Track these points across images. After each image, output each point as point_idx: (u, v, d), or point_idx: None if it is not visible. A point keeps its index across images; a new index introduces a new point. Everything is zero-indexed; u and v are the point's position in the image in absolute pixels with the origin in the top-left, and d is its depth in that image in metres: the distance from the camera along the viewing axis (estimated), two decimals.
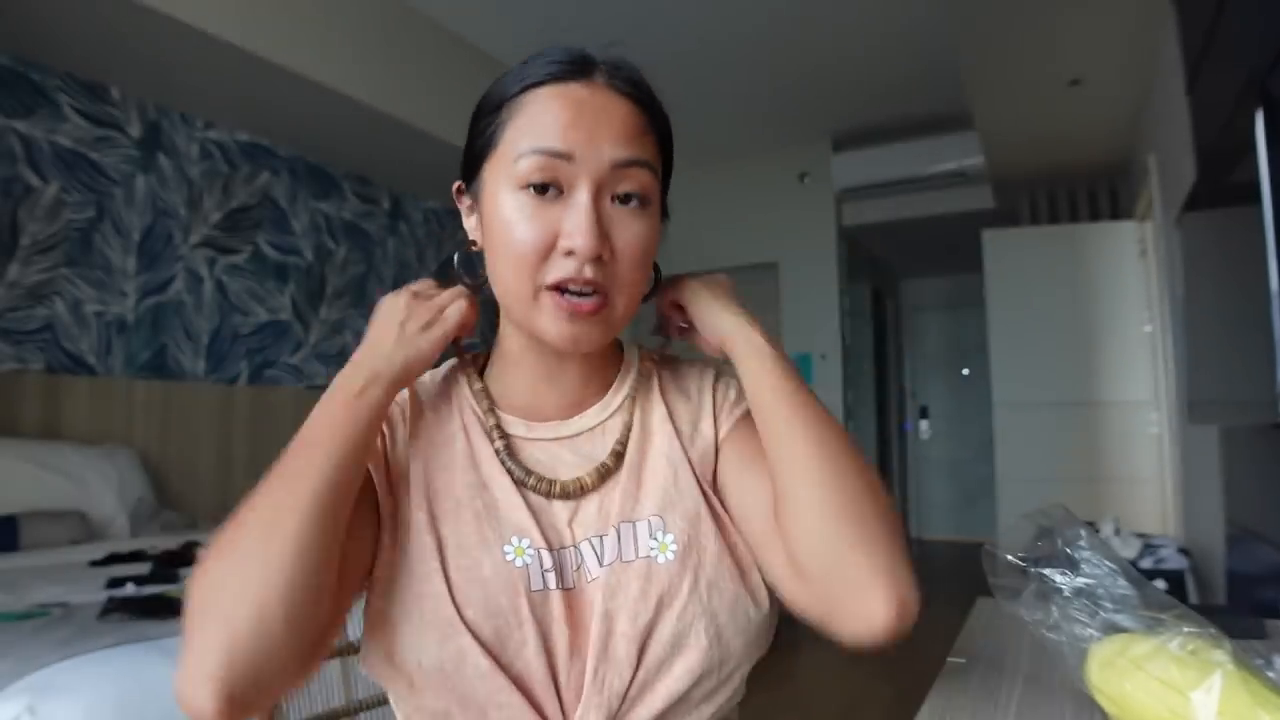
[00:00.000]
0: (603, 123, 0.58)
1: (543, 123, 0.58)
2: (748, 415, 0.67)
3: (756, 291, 5.27)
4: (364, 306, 4.14)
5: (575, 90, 0.59)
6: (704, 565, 0.61)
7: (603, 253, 0.57)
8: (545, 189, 0.58)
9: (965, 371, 7.04)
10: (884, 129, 4.85)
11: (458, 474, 0.63)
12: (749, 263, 5.24)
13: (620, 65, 0.62)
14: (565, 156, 0.57)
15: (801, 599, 0.57)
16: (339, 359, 3.88)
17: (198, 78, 3.00)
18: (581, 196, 0.57)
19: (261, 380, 3.59)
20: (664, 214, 0.66)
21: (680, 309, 0.69)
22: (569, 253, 0.57)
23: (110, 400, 2.99)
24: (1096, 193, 4.57)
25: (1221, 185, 1.49)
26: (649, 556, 0.61)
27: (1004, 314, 4.05)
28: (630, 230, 0.59)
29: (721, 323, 0.65)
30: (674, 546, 0.61)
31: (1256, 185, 1.14)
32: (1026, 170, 4.31)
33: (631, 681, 0.58)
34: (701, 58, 3.95)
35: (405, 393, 0.68)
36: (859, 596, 0.53)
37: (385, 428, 0.65)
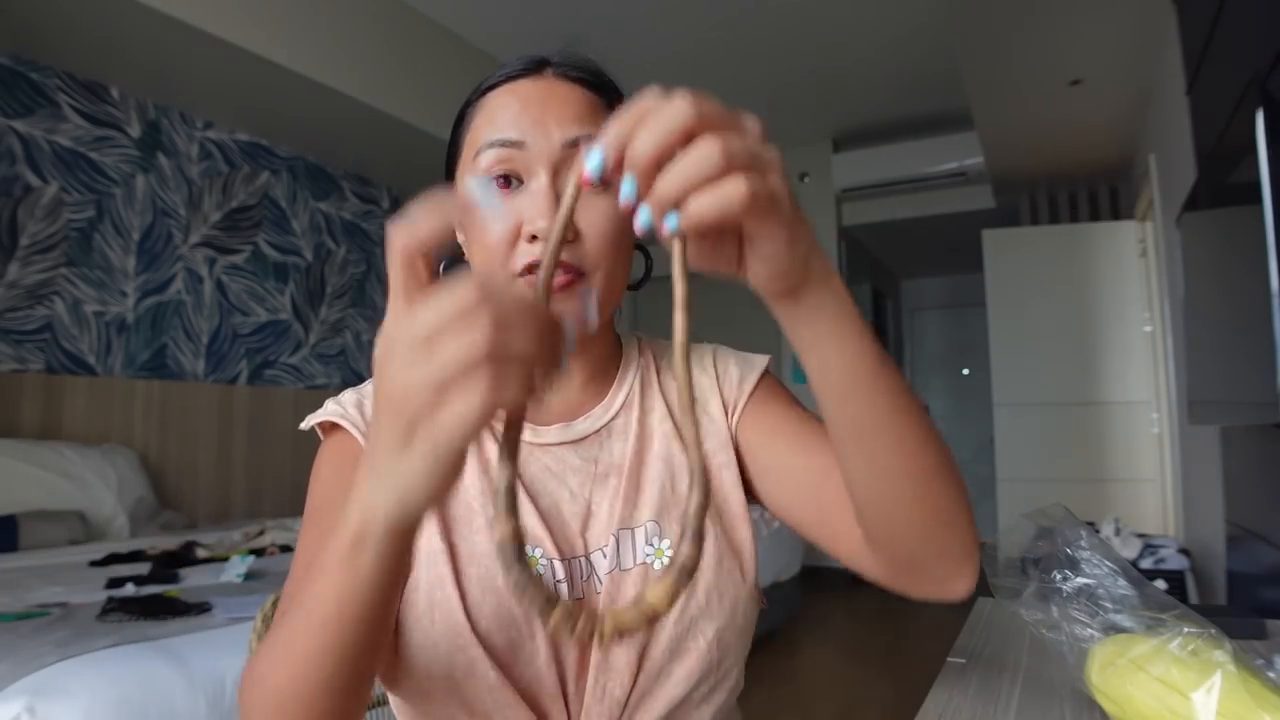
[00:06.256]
0: (550, 107, 0.59)
1: (496, 118, 0.59)
2: (756, 391, 0.67)
3: None
4: (364, 306, 4.14)
5: (525, 85, 0.60)
6: (703, 569, 0.60)
7: (566, 232, 0.57)
8: (506, 181, 0.58)
9: (965, 371, 7.04)
10: (884, 129, 4.86)
11: (468, 479, 0.62)
12: None
13: (571, 56, 0.62)
14: (516, 145, 0.58)
15: (874, 569, 0.55)
16: (338, 359, 3.88)
17: (198, 78, 3.01)
18: (538, 181, 0.57)
19: (261, 380, 3.59)
20: None
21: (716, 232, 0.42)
22: (533, 238, 0.56)
23: (110, 400, 2.99)
24: (1096, 193, 4.57)
25: (1221, 185, 1.49)
26: (645, 563, 0.60)
27: (1004, 314, 4.05)
28: (595, 209, 0.57)
29: (801, 257, 0.42)
30: (670, 553, 0.60)
31: (1256, 185, 1.14)
32: (1026, 170, 4.31)
33: (632, 689, 0.58)
34: (701, 58, 3.95)
35: None
36: (943, 575, 0.52)
37: None
